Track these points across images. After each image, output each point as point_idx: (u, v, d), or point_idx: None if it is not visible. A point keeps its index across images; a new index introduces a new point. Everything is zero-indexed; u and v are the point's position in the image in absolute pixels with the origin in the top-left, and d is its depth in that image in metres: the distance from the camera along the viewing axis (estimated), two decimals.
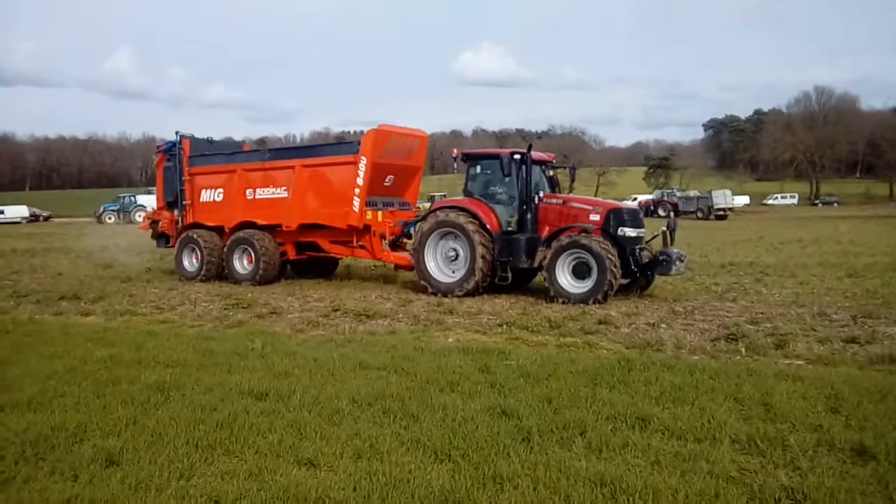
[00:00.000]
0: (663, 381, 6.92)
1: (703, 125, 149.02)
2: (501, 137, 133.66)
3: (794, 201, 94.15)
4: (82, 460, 5.06)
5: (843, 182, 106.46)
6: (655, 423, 5.69)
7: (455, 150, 15.42)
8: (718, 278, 16.04)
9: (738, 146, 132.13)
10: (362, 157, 14.85)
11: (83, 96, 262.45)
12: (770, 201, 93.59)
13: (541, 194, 14.01)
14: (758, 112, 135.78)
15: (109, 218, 60.86)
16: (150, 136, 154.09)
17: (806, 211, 77.36)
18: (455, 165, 15.48)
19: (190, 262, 16.99)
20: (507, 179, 13.90)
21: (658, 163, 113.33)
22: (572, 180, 16.24)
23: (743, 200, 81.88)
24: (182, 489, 4.60)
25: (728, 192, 67.99)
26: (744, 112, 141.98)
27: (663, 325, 10.31)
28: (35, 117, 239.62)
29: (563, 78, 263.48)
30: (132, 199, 65.12)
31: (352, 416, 6.04)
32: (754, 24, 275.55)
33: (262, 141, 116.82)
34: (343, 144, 17.14)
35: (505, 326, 10.37)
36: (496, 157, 14.05)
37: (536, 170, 14.35)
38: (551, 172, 15.08)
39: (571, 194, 15.41)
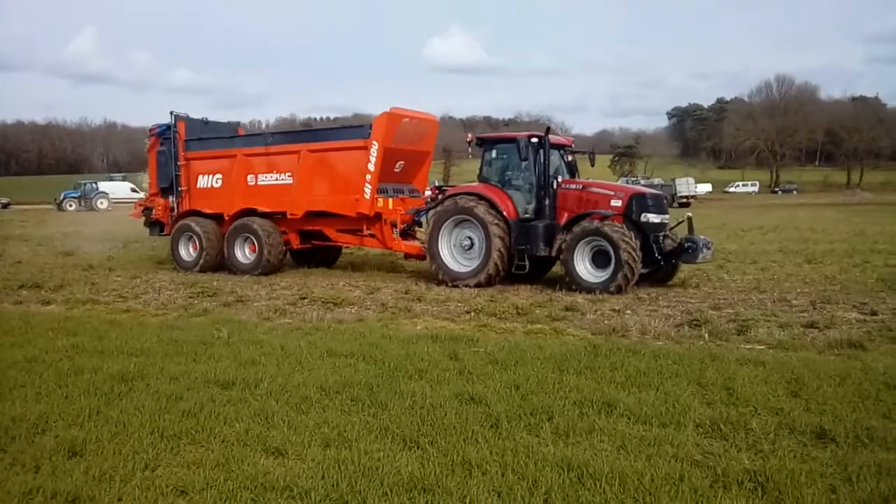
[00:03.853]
0: (629, 366, 7.01)
1: (668, 113, 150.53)
2: (469, 125, 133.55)
3: (755, 189, 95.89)
4: (44, 451, 4.97)
5: (802, 170, 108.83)
6: (621, 408, 5.75)
7: (469, 135, 14.89)
8: (682, 265, 16.20)
9: (701, 134, 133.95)
10: (374, 142, 14.28)
11: (42, 80, 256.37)
12: (732, 189, 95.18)
13: (559, 179, 13.57)
14: (720, 101, 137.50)
15: (70, 205, 59.63)
16: (111, 122, 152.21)
17: (766, 198, 78.77)
18: (469, 150, 14.93)
19: (187, 252, 16.27)
20: (523, 164, 13.35)
21: (623, 151, 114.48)
22: (592, 165, 15.66)
23: (705, 188, 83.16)
24: (147, 480, 4.55)
25: (691, 180, 68.94)
26: (710, 100, 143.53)
27: (628, 312, 10.43)
28: None
29: (532, 65, 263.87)
30: (93, 185, 64.02)
31: (320, 404, 6.02)
32: (724, 11, 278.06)
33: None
34: (353, 128, 16.19)
35: (473, 314, 10.40)
36: (513, 140, 13.45)
37: (555, 154, 13.83)
38: (570, 157, 14.50)
39: (591, 179, 14.64)
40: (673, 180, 67.98)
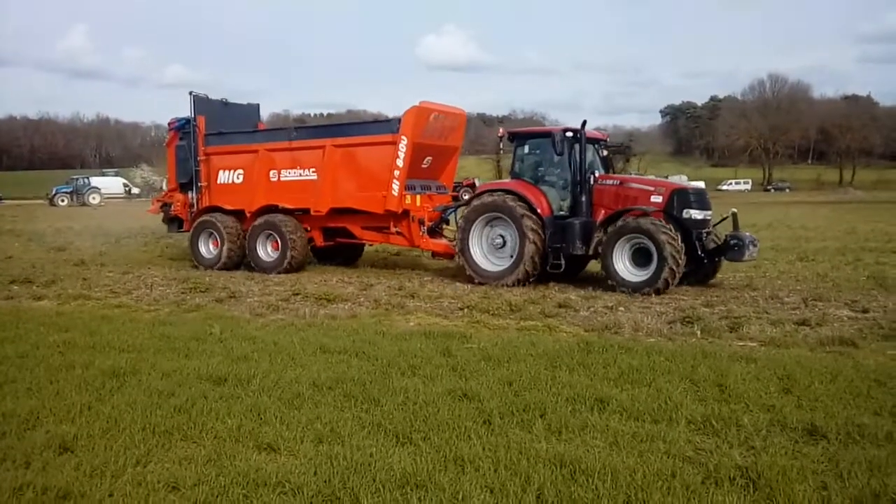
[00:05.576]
0: (621, 363, 7.02)
1: (661, 111, 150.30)
2: None
3: (748, 187, 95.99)
4: (35, 447, 4.96)
5: (795, 168, 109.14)
6: (614, 404, 5.77)
7: (501, 130, 14.58)
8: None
9: (694, 132, 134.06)
10: (403, 137, 13.89)
11: (34, 75, 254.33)
12: (724, 187, 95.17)
13: (595, 174, 13.13)
14: (714, 99, 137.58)
15: (62, 200, 59.44)
16: (104, 117, 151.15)
17: (759, 196, 78.83)
18: (501, 146, 14.51)
19: (207, 249, 15.92)
20: (558, 159, 12.95)
21: (617, 148, 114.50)
22: (626, 161, 15.34)
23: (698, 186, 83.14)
24: (139, 475, 4.54)
25: (684, 178, 68.78)
26: (704, 99, 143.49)
27: (621, 309, 10.43)
28: None
29: (525, 63, 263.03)
30: (86, 180, 63.79)
31: (312, 400, 6.01)
32: (717, 10, 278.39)
33: None
34: (380, 123, 15.81)
35: (466, 310, 10.40)
36: (547, 135, 13.08)
37: (590, 149, 13.38)
38: (605, 152, 14.04)
39: (626, 174, 14.04)
40: (666, 178, 68.09)
